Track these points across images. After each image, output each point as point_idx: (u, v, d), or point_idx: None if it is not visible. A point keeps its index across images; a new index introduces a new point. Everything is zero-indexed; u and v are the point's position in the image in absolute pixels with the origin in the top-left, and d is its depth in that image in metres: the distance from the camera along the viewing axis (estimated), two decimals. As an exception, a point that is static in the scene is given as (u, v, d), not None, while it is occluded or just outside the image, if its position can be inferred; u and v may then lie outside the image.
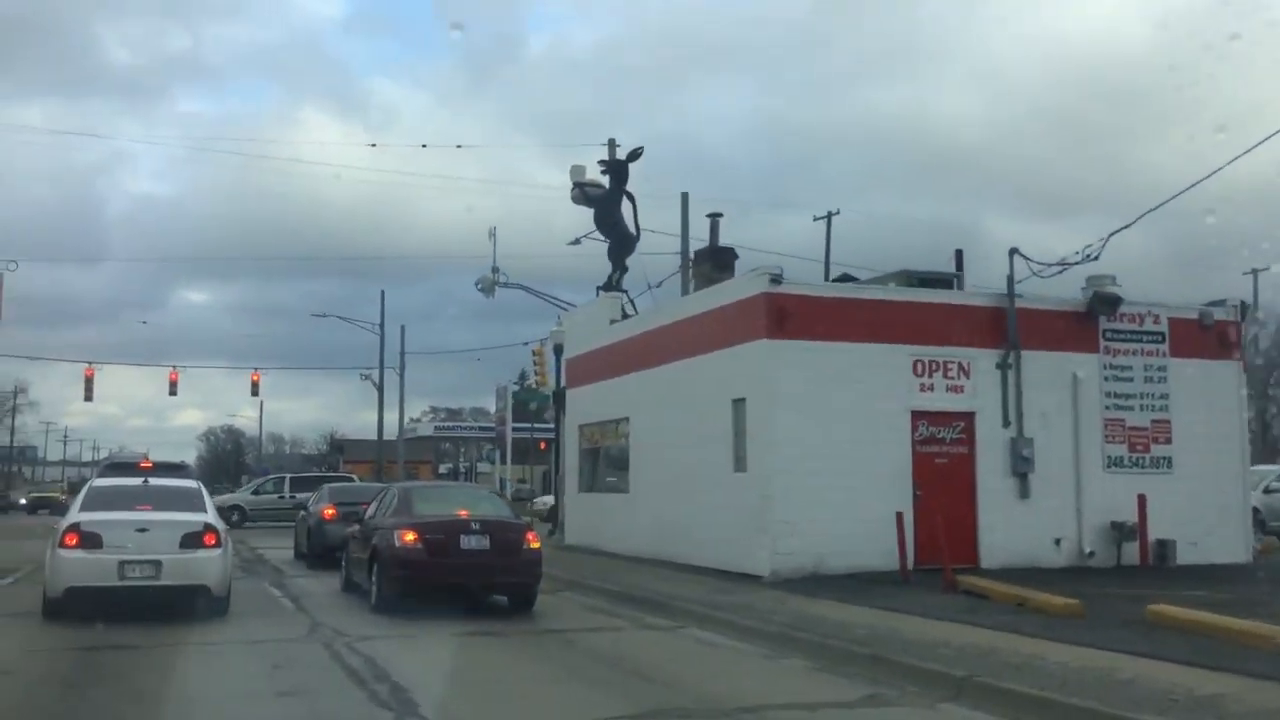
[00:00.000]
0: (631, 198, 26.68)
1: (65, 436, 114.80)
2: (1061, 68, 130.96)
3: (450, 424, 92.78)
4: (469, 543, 14.52)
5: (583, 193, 27.43)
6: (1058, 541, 18.75)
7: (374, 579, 14.87)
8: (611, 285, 26.53)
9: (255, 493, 43.00)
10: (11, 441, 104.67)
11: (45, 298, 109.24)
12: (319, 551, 22.29)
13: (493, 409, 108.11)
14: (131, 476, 15.49)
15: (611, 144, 34.48)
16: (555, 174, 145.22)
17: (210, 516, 14.01)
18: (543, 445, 74.15)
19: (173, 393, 55.64)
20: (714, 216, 22.16)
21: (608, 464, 24.88)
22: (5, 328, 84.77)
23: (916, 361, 18.42)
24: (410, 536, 14.35)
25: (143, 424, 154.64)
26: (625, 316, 24.77)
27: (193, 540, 13.43)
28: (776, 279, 17.67)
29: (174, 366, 56.42)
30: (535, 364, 42.34)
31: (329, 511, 22.53)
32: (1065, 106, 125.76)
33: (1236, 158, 15.92)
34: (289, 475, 47.50)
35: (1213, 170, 16.51)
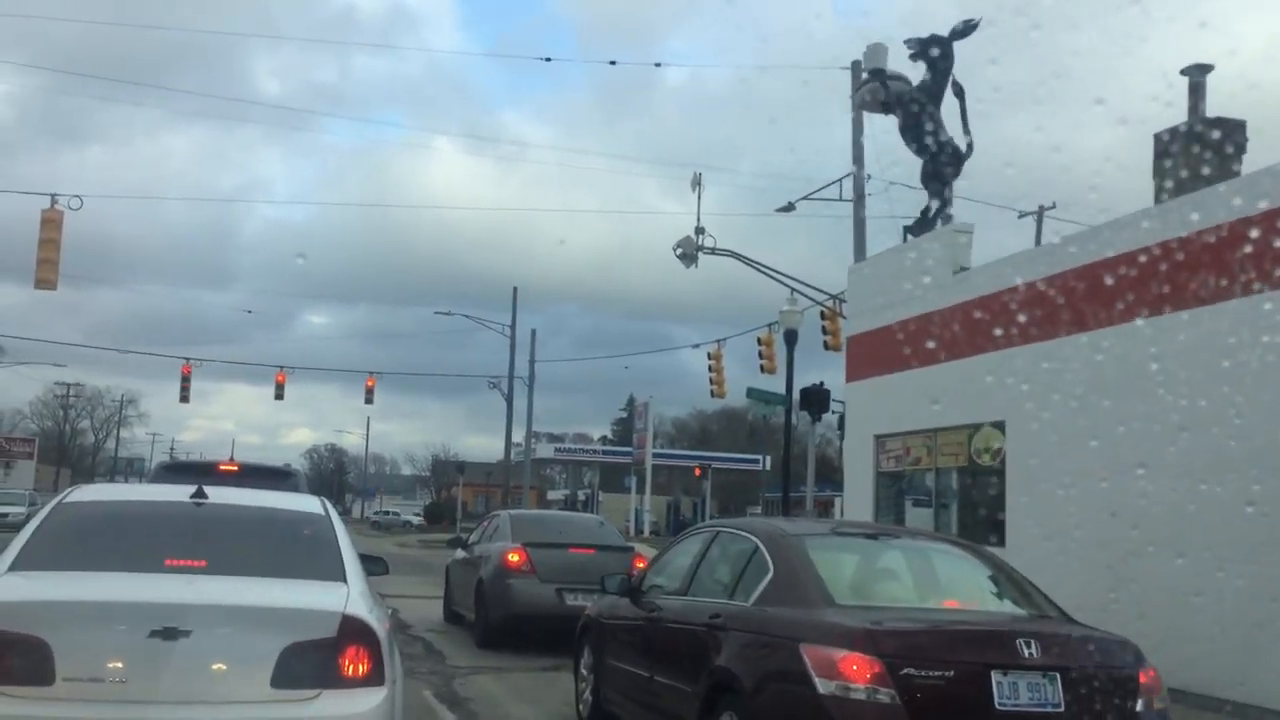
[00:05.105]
0: (960, 92, 17.53)
1: (172, 447, 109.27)
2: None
3: (572, 446, 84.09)
4: (1015, 692, 5.54)
5: (883, 87, 18.35)
6: None
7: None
8: (926, 223, 17.48)
9: None
10: (116, 453, 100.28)
11: (172, 319, 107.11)
12: (499, 620, 13.64)
13: (595, 435, 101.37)
14: (197, 483, 6.57)
15: (855, 67, 25.48)
16: (675, 203, 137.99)
17: (356, 595, 5.22)
18: (698, 471, 65.37)
19: (279, 396, 48.15)
20: (1197, 70, 12.83)
21: (945, 498, 15.74)
22: (132, 344, 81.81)
23: None
24: (878, 676, 5.41)
25: (253, 440, 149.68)
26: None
27: (313, 667, 4.77)
28: None
29: (280, 368, 48.81)
30: (762, 355, 31.51)
31: (514, 557, 13.82)
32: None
33: None
34: None
35: None
